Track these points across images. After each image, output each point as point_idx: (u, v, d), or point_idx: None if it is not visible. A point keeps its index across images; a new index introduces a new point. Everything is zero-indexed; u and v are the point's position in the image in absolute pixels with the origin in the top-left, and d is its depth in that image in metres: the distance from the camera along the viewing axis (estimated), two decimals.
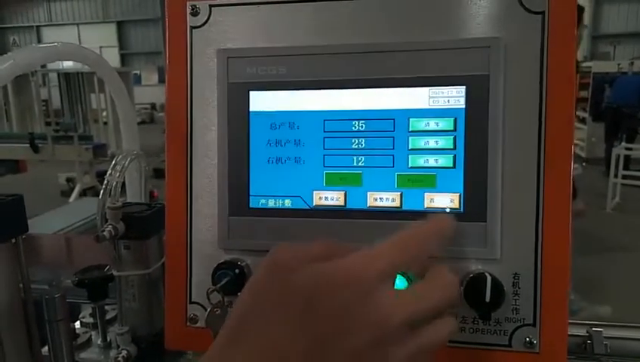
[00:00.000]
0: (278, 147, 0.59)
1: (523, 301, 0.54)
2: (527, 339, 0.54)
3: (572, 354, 0.77)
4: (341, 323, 0.36)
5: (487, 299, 0.51)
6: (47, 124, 6.78)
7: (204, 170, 0.61)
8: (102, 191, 0.72)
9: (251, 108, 0.59)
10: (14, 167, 5.34)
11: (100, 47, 17.14)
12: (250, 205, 0.59)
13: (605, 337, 0.78)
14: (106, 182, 0.72)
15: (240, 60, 0.59)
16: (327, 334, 0.36)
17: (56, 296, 0.65)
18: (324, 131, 0.57)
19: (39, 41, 17.28)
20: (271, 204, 0.59)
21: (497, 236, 0.54)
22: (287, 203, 0.58)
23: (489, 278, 0.52)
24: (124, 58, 18.40)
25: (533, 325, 0.54)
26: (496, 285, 0.52)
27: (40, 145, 5.20)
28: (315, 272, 0.38)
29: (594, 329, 0.78)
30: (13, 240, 0.68)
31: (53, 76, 7.10)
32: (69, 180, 6.10)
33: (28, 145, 5.16)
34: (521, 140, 0.54)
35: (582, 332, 0.79)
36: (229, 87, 0.59)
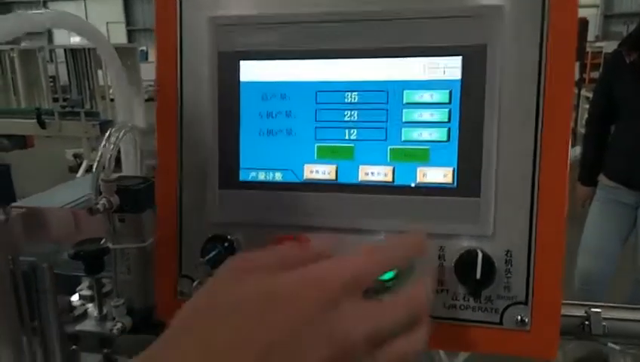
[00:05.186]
0: (270, 119, 0.57)
1: (515, 278, 0.53)
2: (519, 318, 0.53)
3: (570, 335, 0.76)
4: (296, 336, 0.33)
5: (478, 276, 0.50)
6: (55, 100, 6.78)
7: (194, 142, 0.60)
8: (95, 164, 0.71)
9: (242, 79, 0.58)
10: (22, 142, 5.36)
11: (107, 23, 17.03)
12: (241, 178, 0.58)
13: (604, 318, 0.77)
14: (99, 154, 0.72)
15: (230, 28, 0.57)
16: (279, 346, 0.33)
17: (44, 265, 0.65)
18: (316, 103, 0.56)
19: None
20: (261, 177, 0.58)
21: (491, 212, 0.52)
22: (278, 176, 0.57)
23: (480, 255, 0.51)
24: (130, 34, 18.28)
25: (525, 303, 0.53)
26: (488, 262, 0.51)
27: (47, 120, 5.21)
28: (271, 282, 0.35)
29: (592, 309, 0.77)
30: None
31: (60, 52, 7.07)
32: (76, 156, 6.13)
33: (35, 120, 5.17)
34: (518, 114, 0.52)
35: (580, 312, 0.78)
36: (220, 57, 0.58)
